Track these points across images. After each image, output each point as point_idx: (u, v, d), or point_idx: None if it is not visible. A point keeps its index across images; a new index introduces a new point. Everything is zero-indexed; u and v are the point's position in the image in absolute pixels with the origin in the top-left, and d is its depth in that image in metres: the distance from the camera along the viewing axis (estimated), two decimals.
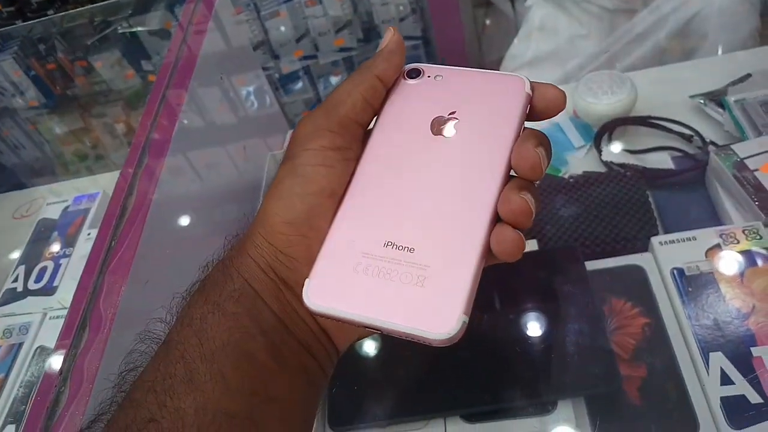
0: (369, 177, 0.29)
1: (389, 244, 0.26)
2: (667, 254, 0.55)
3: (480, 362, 0.51)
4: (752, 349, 0.48)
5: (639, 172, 0.67)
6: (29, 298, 0.74)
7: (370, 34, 1.59)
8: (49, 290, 0.74)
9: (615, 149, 0.73)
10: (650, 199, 0.64)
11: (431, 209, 0.27)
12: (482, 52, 1.70)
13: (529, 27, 1.27)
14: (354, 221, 0.28)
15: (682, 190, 0.67)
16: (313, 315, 0.27)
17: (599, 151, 0.72)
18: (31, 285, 0.75)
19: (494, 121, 0.29)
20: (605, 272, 0.57)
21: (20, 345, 0.69)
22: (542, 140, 0.28)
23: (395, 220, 0.27)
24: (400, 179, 0.28)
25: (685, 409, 0.47)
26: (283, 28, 1.53)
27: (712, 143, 0.69)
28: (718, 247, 0.54)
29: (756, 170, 0.60)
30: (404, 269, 0.26)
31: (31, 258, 0.79)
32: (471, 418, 0.50)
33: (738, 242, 0.54)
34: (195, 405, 0.24)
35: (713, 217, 0.63)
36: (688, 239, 0.56)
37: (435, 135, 0.29)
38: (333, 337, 0.29)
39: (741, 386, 0.46)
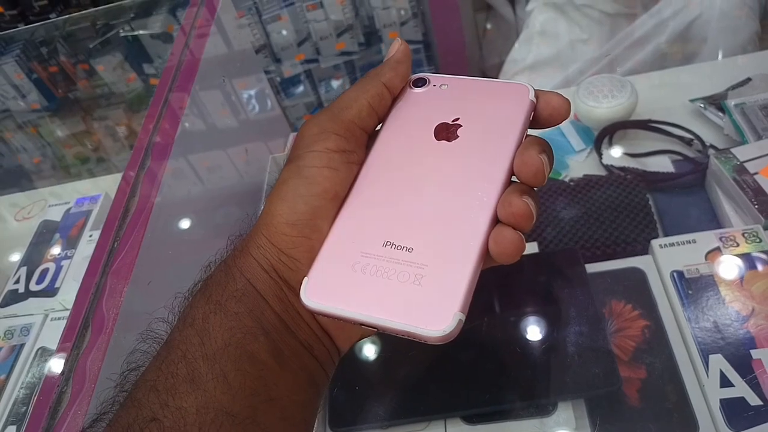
0: (371, 179, 0.29)
1: (388, 243, 0.27)
2: (667, 257, 0.55)
3: (481, 364, 0.52)
4: (751, 351, 0.48)
5: (639, 175, 0.68)
6: (31, 299, 0.74)
7: (372, 38, 1.59)
8: (50, 292, 0.74)
9: (615, 153, 0.73)
10: (650, 202, 0.64)
11: (431, 211, 0.27)
12: (483, 57, 1.70)
13: (529, 31, 1.27)
14: (354, 222, 0.28)
15: (682, 194, 0.67)
16: (310, 312, 0.27)
17: (600, 155, 0.72)
18: (33, 286, 0.75)
19: (497, 127, 0.29)
20: (605, 275, 0.57)
21: (22, 346, 0.69)
22: (545, 147, 0.28)
23: (395, 221, 0.27)
24: (402, 181, 0.28)
25: (685, 410, 0.47)
26: (284, 32, 1.54)
27: (712, 147, 0.70)
28: (717, 250, 0.54)
29: (756, 174, 0.60)
30: (402, 268, 0.26)
31: (32, 259, 0.79)
32: (471, 419, 0.50)
33: (738, 245, 0.54)
34: (197, 404, 0.24)
35: (713, 220, 0.63)
36: (688, 242, 0.56)
37: (438, 140, 0.29)
38: (334, 338, 0.29)
39: (740, 388, 0.46)
